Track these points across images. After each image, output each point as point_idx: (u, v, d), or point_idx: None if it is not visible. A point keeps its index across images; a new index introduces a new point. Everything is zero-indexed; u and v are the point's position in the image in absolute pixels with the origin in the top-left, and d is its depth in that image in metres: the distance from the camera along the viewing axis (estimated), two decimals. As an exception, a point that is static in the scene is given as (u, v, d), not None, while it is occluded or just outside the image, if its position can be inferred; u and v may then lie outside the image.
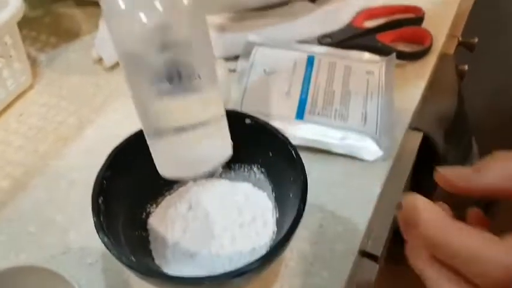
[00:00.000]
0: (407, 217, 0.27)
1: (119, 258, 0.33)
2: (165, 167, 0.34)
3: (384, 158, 0.49)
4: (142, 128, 0.35)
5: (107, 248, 0.33)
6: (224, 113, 0.35)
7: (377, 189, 0.47)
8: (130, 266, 0.32)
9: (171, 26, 0.30)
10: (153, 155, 0.34)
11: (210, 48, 0.33)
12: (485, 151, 0.30)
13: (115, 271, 0.42)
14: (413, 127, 0.61)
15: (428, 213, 0.26)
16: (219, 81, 0.34)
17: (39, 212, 0.47)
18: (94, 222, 0.35)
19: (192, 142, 0.33)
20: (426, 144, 0.64)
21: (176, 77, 0.30)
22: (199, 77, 0.31)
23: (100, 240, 0.40)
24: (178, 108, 0.32)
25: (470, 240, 0.24)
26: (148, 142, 0.35)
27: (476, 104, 0.84)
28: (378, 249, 0.50)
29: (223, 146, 0.35)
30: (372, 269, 0.50)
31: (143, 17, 0.29)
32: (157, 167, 0.35)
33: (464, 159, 0.79)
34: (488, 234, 0.25)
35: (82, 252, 0.43)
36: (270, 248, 0.38)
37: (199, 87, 0.32)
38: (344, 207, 0.46)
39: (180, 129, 0.33)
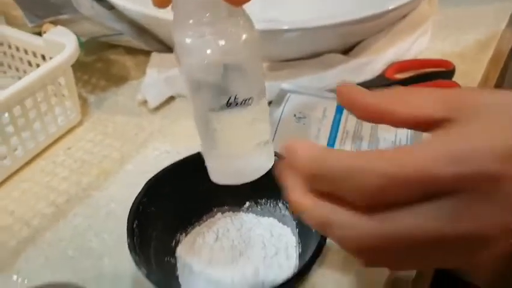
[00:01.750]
0: (285, 163, 0.26)
1: (148, 277, 0.35)
2: (216, 175, 0.37)
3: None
4: (201, 144, 0.38)
5: (138, 266, 0.36)
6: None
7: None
8: (159, 285, 0.35)
9: (232, 59, 0.34)
10: (207, 164, 0.37)
11: (262, 78, 0.37)
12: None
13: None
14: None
15: (303, 148, 0.25)
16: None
17: (77, 238, 0.50)
18: (128, 243, 0.38)
19: (245, 156, 0.36)
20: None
21: (233, 101, 0.34)
22: (253, 100, 0.35)
23: (131, 268, 0.42)
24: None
25: (345, 158, 0.23)
26: (204, 155, 0.38)
27: None
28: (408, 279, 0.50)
29: (267, 160, 0.37)
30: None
31: (209, 52, 0.33)
32: (209, 174, 0.37)
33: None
34: (367, 151, 0.24)
35: (115, 277, 0.46)
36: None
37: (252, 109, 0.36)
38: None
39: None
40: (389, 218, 0.22)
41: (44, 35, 0.59)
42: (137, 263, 0.36)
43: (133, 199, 0.42)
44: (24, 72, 0.64)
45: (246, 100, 0.34)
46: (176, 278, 0.42)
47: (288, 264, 0.43)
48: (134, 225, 0.39)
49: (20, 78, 0.59)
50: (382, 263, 0.25)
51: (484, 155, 0.21)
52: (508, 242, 0.22)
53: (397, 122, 0.26)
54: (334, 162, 0.23)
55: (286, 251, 0.44)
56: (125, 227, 0.40)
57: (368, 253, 0.24)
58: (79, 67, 0.67)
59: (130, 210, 0.40)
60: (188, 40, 0.32)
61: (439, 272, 1.38)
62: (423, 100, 0.26)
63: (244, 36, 0.32)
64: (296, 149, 0.25)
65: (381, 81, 0.65)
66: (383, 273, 0.45)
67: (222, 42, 0.32)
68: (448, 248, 0.23)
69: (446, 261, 0.24)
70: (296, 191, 0.25)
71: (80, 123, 0.63)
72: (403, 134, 0.56)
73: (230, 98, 0.33)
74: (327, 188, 0.24)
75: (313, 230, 0.41)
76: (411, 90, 0.27)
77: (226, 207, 0.48)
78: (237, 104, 0.34)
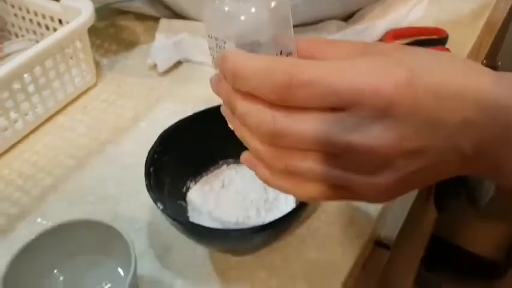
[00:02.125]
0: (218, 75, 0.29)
1: (164, 211, 0.40)
2: None
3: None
4: None
5: (155, 202, 0.41)
6: None
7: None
8: (173, 218, 0.40)
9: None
10: None
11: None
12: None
13: (159, 236, 0.49)
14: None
15: (231, 54, 0.27)
16: None
17: (96, 187, 0.55)
18: (146, 184, 0.43)
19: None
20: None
21: None
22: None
23: (146, 212, 0.47)
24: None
25: (260, 59, 0.26)
26: None
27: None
28: (391, 239, 0.55)
29: None
30: (383, 256, 0.55)
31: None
32: None
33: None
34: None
35: (131, 219, 0.51)
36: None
37: None
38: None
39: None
40: (291, 115, 0.25)
41: (62, 1, 0.63)
42: (154, 200, 0.41)
43: (146, 153, 0.46)
44: (42, 35, 0.68)
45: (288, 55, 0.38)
46: (187, 218, 0.47)
47: (286, 208, 0.47)
48: (151, 170, 0.44)
49: (37, 41, 0.63)
50: (290, 162, 0.27)
51: (386, 79, 0.24)
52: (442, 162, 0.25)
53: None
54: (250, 62, 0.26)
55: (285, 197, 0.48)
56: (141, 178, 0.45)
57: (270, 141, 0.26)
58: (92, 32, 0.70)
59: (147, 157, 0.45)
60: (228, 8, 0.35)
61: (435, 239, 1.44)
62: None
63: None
64: (226, 57, 0.27)
65: (377, 47, 0.69)
66: (370, 222, 0.50)
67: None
68: (344, 160, 0.25)
69: (350, 180, 0.26)
70: (230, 94, 0.28)
71: (94, 85, 0.68)
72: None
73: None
74: (245, 86, 0.26)
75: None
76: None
77: (231, 160, 0.53)
78: None
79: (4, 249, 0.49)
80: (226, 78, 0.27)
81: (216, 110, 0.50)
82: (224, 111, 0.31)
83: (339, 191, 0.27)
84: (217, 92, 0.29)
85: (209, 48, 0.33)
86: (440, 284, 1.55)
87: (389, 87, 0.24)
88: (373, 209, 0.51)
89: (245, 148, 0.53)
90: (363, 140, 0.24)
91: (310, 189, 0.27)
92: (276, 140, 0.26)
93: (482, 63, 0.81)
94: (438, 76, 0.25)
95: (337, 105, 0.25)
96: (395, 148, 0.24)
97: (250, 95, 0.26)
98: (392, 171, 0.25)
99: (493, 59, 0.83)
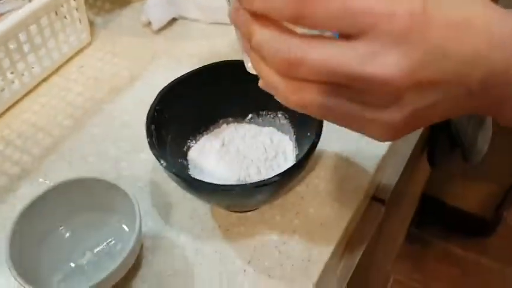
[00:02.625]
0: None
1: (167, 168, 0.41)
2: None
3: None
4: None
5: (158, 159, 0.41)
6: None
7: (386, 140, 0.54)
8: (176, 174, 0.40)
9: None
10: None
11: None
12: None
13: (161, 194, 0.50)
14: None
15: None
16: None
17: (96, 146, 0.55)
18: (148, 142, 0.43)
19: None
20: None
21: None
22: None
23: (147, 170, 0.48)
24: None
25: None
26: None
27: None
28: (386, 194, 0.57)
29: None
30: (379, 211, 0.57)
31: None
32: None
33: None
34: None
35: (133, 178, 0.52)
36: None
37: None
38: (357, 153, 0.53)
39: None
40: (307, 43, 0.25)
41: (53, -43, 0.61)
42: (157, 157, 0.41)
43: (144, 112, 0.46)
44: (34, -7, 0.66)
45: None
46: (189, 176, 0.48)
47: (286, 165, 0.48)
48: (152, 128, 0.44)
49: (30, 1, 0.62)
50: (308, 90, 0.27)
51: (402, 6, 0.24)
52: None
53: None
54: None
55: (284, 154, 0.49)
56: (140, 137, 0.45)
57: (286, 72, 0.26)
58: (85, -11, 0.69)
59: (147, 115, 0.45)
60: None
61: (425, 197, 1.47)
62: None
63: None
64: None
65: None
66: (367, 177, 0.51)
67: None
68: (353, 94, 0.26)
69: (365, 109, 0.26)
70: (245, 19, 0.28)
71: (89, 44, 0.67)
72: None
73: None
74: (262, 5, 0.26)
75: (309, 134, 0.46)
76: None
77: (230, 119, 0.53)
78: None
79: (7, 208, 0.50)
80: (244, 1, 0.27)
81: (213, 68, 0.51)
82: (243, 46, 0.30)
83: (349, 122, 0.28)
84: (235, 23, 0.29)
85: None
86: (428, 241, 1.59)
87: (405, 13, 0.24)
88: (370, 164, 0.52)
89: (244, 108, 0.53)
90: (375, 70, 0.24)
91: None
92: (291, 70, 0.26)
93: None
94: (452, 7, 0.26)
95: (352, 29, 0.25)
96: (407, 79, 0.25)
97: (268, 23, 0.26)
98: (401, 107, 0.26)
99: None
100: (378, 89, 0.25)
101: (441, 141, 0.87)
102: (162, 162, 0.41)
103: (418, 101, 0.26)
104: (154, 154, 0.42)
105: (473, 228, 1.56)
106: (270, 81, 0.28)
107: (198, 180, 0.41)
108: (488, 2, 0.27)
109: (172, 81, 0.48)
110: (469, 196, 1.53)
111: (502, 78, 0.26)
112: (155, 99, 0.46)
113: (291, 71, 0.26)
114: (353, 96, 0.26)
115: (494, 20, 0.26)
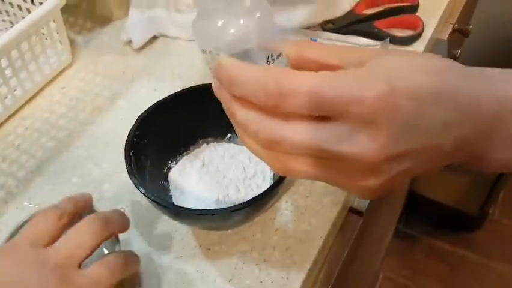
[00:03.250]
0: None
1: (147, 195, 0.42)
2: None
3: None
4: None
5: (137, 187, 0.43)
6: None
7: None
8: (155, 201, 0.42)
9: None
10: None
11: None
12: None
13: (142, 214, 0.51)
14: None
15: (226, 63, 0.29)
16: None
17: (80, 167, 0.56)
18: (127, 168, 0.44)
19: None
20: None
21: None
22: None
23: (129, 191, 0.49)
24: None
25: (255, 70, 0.27)
26: None
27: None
28: (363, 206, 0.58)
29: None
30: (356, 222, 0.58)
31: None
32: None
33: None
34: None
35: (115, 199, 0.53)
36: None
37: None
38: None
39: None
40: (285, 124, 0.27)
41: (32, -20, 0.62)
42: (136, 185, 0.43)
43: (126, 132, 0.48)
44: (15, 15, 0.67)
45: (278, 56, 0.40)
46: (170, 197, 0.49)
47: (264, 185, 0.50)
48: (131, 154, 0.46)
49: (11, 21, 0.63)
50: (285, 164, 0.29)
51: (369, 90, 0.26)
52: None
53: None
54: (244, 72, 0.28)
55: (263, 174, 0.51)
56: (122, 157, 0.46)
57: (268, 147, 0.28)
58: (65, 9, 0.70)
59: (126, 141, 0.46)
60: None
61: (411, 195, 1.49)
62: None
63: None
64: (221, 65, 0.29)
65: (350, 18, 0.70)
66: (344, 192, 0.53)
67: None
68: (333, 166, 0.28)
69: (338, 181, 0.29)
70: (232, 104, 0.30)
71: (70, 64, 0.68)
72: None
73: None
74: (240, 93, 0.28)
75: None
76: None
77: (210, 139, 0.55)
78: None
79: (-6, 233, 0.51)
80: (223, 84, 0.29)
81: (193, 90, 0.52)
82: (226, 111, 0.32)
83: (332, 184, 0.30)
84: (218, 96, 0.31)
85: (206, 63, 0.34)
86: (416, 237, 1.62)
87: (372, 97, 0.26)
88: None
89: (223, 128, 0.54)
90: (350, 148, 0.27)
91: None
92: (273, 147, 0.28)
93: (454, 27, 0.83)
94: (416, 82, 0.27)
95: (327, 114, 0.27)
96: (378, 156, 0.27)
97: (249, 102, 0.28)
98: (377, 176, 0.28)
99: (465, 23, 0.84)
100: (355, 164, 0.27)
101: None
102: (141, 189, 0.42)
103: (392, 170, 0.28)
104: (132, 181, 0.43)
105: (460, 223, 1.59)
106: (254, 151, 0.30)
107: (175, 205, 0.43)
108: (448, 62, 0.29)
109: (151, 106, 0.50)
110: (455, 192, 1.56)
111: (473, 137, 0.28)
112: (133, 125, 0.48)
113: (272, 148, 0.28)
114: (334, 166, 0.28)
115: (459, 85, 0.28)
